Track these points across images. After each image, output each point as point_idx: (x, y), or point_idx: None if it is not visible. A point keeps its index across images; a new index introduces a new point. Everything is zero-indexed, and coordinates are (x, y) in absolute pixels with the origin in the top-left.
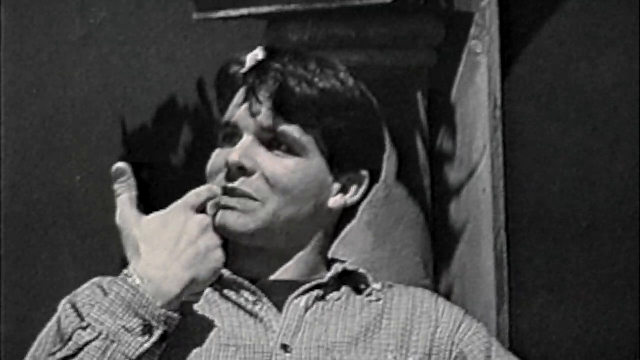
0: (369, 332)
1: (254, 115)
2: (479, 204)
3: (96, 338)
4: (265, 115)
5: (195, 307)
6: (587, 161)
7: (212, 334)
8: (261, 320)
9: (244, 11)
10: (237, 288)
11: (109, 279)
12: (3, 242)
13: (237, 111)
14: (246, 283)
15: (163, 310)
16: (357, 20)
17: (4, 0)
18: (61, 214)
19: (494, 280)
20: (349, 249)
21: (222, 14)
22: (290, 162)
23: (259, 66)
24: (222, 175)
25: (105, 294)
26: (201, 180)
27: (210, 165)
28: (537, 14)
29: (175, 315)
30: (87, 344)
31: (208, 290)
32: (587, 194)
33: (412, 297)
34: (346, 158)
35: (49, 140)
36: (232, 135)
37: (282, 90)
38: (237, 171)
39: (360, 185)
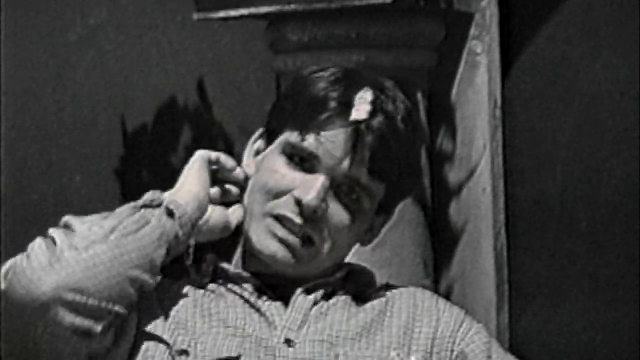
0: (371, 329)
1: (346, 163)
2: (479, 204)
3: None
4: (358, 168)
5: (202, 298)
6: (587, 161)
7: (218, 324)
8: (263, 314)
9: (244, 11)
10: (241, 281)
11: None
12: (3, 242)
13: (324, 146)
14: (249, 276)
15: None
16: (357, 20)
17: (4, 0)
18: (61, 213)
19: (494, 280)
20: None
21: (222, 14)
22: (354, 215)
23: (364, 119)
24: (286, 199)
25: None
26: None
27: (274, 182)
28: (537, 14)
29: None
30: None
31: (213, 285)
32: (587, 193)
33: (413, 297)
34: (391, 204)
35: (49, 140)
36: (307, 162)
37: (381, 151)
38: (309, 212)
39: (386, 220)
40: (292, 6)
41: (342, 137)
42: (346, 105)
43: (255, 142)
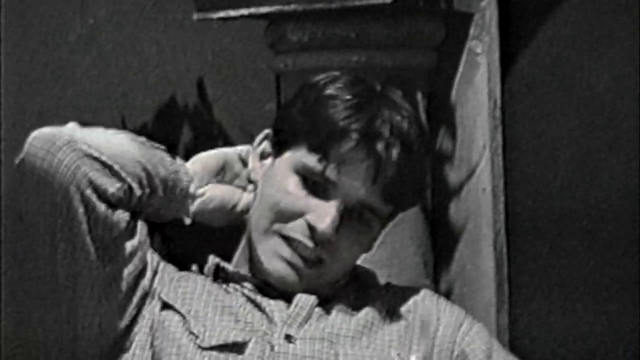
0: (372, 327)
1: (364, 193)
2: (479, 204)
3: None
4: (376, 198)
5: (215, 290)
6: (587, 161)
7: (230, 318)
8: (263, 310)
9: (244, 11)
10: (241, 280)
11: None
12: (3, 242)
13: (345, 176)
14: (249, 276)
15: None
16: (357, 20)
17: (4, 0)
18: None
19: (494, 280)
20: None
21: (222, 14)
22: (364, 237)
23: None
24: (298, 223)
25: None
26: None
27: (287, 203)
28: (537, 14)
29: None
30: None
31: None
32: (587, 193)
33: (413, 296)
34: (397, 214)
35: None
36: (322, 186)
37: (397, 179)
38: (322, 239)
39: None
40: (292, 6)
41: (362, 167)
42: (369, 136)
43: (260, 145)
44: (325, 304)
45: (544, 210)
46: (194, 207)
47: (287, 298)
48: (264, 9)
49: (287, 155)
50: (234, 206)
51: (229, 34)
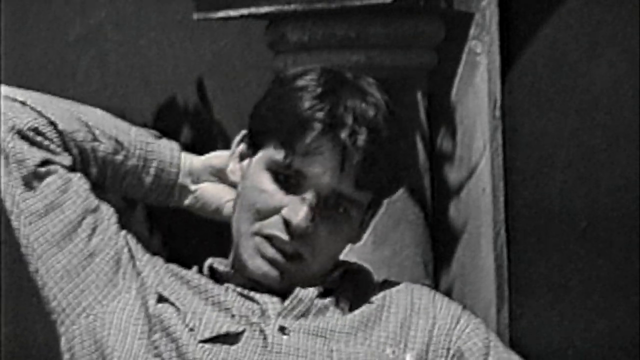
0: (368, 324)
1: (335, 182)
2: (479, 204)
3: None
4: (347, 185)
5: (205, 285)
6: (586, 161)
7: (217, 307)
8: (257, 302)
9: (244, 11)
10: (233, 280)
11: None
12: (3, 242)
13: (313, 167)
14: (237, 274)
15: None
16: (357, 20)
17: (4, 0)
18: None
19: (494, 280)
20: (349, 249)
21: (222, 14)
22: (344, 227)
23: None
24: (274, 219)
25: None
26: None
27: (262, 202)
28: (537, 14)
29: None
30: None
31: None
32: (587, 193)
33: (410, 293)
34: (379, 202)
35: None
36: (294, 179)
37: (367, 164)
38: (298, 232)
39: (376, 211)
40: (292, 6)
41: (328, 156)
42: (332, 125)
43: (237, 146)
44: (321, 300)
45: (544, 210)
46: (188, 200)
47: (283, 294)
48: (264, 9)
49: (260, 154)
50: (219, 208)
51: (229, 34)
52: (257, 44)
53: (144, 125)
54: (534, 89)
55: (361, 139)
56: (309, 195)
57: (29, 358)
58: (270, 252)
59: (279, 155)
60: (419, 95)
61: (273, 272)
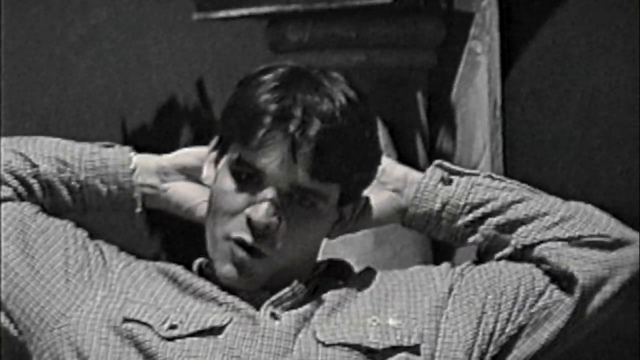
0: (345, 303)
1: (290, 174)
2: None
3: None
4: (302, 176)
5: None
6: (586, 161)
7: (203, 298)
8: (246, 291)
9: (244, 11)
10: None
11: None
12: None
13: (266, 160)
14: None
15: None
16: (357, 20)
17: (4, 0)
18: None
19: None
20: (349, 249)
21: (222, 14)
22: (311, 221)
23: (296, 117)
24: (239, 219)
25: None
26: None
27: (227, 204)
28: (537, 14)
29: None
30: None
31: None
32: (587, 193)
33: (390, 275)
34: (353, 195)
35: None
36: (254, 177)
37: (324, 154)
38: (260, 230)
39: (357, 206)
40: (292, 6)
41: (281, 150)
42: (283, 118)
43: (213, 151)
44: (308, 297)
45: None
46: (159, 200)
47: (272, 290)
48: (264, 9)
49: (226, 157)
50: (191, 209)
51: (229, 34)
52: (257, 44)
53: (144, 125)
54: (534, 89)
55: (312, 129)
56: (269, 191)
57: (29, 358)
58: (241, 254)
59: (236, 153)
60: (419, 95)
61: (234, 272)
